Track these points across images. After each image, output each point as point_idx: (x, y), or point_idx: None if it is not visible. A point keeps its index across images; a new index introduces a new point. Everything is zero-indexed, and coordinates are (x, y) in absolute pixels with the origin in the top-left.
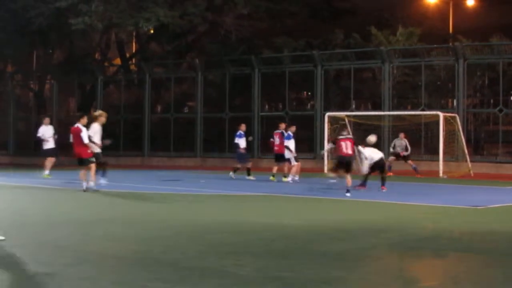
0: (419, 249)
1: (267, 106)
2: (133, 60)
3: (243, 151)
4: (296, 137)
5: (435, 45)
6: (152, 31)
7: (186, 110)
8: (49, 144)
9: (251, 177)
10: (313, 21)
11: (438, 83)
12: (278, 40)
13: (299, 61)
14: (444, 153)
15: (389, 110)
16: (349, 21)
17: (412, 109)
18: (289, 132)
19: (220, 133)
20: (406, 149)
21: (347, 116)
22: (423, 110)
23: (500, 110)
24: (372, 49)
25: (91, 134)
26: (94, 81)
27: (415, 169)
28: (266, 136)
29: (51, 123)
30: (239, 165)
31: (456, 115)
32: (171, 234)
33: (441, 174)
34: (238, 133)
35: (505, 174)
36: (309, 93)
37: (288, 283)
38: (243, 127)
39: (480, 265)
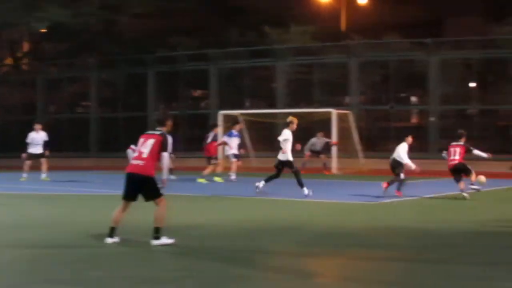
0: (319, 246)
1: (162, 106)
2: (25, 60)
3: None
4: (191, 136)
5: (328, 43)
6: (45, 30)
7: (80, 110)
8: None
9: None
10: (208, 20)
11: (332, 80)
12: (172, 39)
13: (194, 59)
14: (338, 149)
15: (283, 108)
16: (243, 19)
17: (306, 106)
18: (232, 131)
19: (115, 133)
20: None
21: (242, 114)
22: (316, 107)
23: (392, 107)
24: (266, 47)
25: None
26: None
27: (325, 165)
28: None
29: None
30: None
31: (349, 112)
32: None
33: (335, 171)
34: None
35: None
36: (204, 92)
37: (189, 282)
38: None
39: (377, 260)
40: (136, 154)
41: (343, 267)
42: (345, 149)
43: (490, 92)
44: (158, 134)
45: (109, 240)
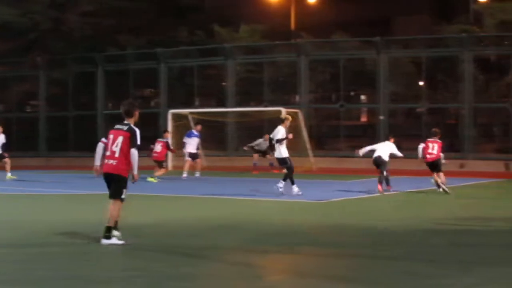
0: (267, 244)
1: (111, 104)
2: None
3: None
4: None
5: (277, 42)
6: None
7: (28, 109)
8: None
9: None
10: (157, 18)
11: (281, 79)
12: (122, 37)
13: (143, 58)
14: (288, 148)
15: (233, 107)
16: (193, 18)
17: (256, 105)
18: (193, 131)
19: (65, 132)
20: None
21: (191, 113)
22: (266, 106)
23: (342, 106)
24: (216, 46)
25: None
26: None
27: (271, 164)
28: None
29: None
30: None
31: (298, 111)
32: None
33: (284, 170)
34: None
35: (347, 168)
36: (153, 91)
37: (138, 281)
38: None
39: (326, 258)
40: (108, 153)
41: (292, 264)
42: (295, 147)
43: (439, 91)
44: (125, 130)
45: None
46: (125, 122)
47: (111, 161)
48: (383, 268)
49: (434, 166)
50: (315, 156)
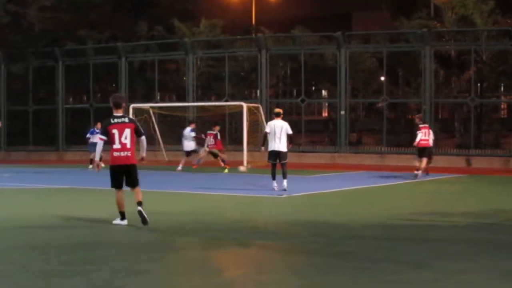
0: (223, 239)
1: (71, 99)
2: None
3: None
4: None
5: (238, 37)
6: None
7: None
8: None
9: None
10: (117, 13)
11: (242, 74)
12: (82, 32)
13: (103, 53)
14: (248, 143)
15: (193, 101)
16: (152, 13)
17: (216, 100)
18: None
19: (25, 126)
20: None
21: (152, 107)
22: (227, 101)
23: (302, 100)
24: (176, 40)
25: None
26: None
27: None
28: (71, 128)
29: None
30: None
31: (259, 105)
32: None
33: (245, 164)
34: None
35: (308, 163)
36: (114, 85)
37: (94, 276)
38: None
39: (284, 253)
40: (118, 146)
41: (249, 259)
42: (256, 142)
43: (400, 86)
44: (129, 122)
45: (120, 222)
46: (119, 114)
47: (125, 153)
48: (340, 264)
49: (427, 152)
50: None
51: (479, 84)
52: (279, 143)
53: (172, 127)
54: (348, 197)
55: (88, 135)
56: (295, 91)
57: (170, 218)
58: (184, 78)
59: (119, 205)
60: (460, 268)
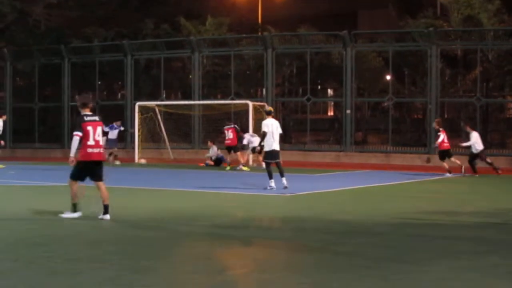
0: (229, 237)
1: (77, 96)
2: None
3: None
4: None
5: (244, 35)
6: None
7: None
8: None
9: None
10: (124, 10)
11: (248, 72)
12: (88, 29)
13: (110, 50)
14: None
15: (199, 100)
16: (159, 10)
17: (222, 98)
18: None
19: (30, 124)
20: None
21: (157, 105)
22: (232, 99)
23: (308, 99)
24: (182, 38)
25: None
26: None
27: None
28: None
29: None
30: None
31: (265, 104)
32: None
33: (251, 163)
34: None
35: (313, 162)
36: (120, 83)
37: (99, 273)
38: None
39: (288, 251)
40: (92, 143)
41: (254, 258)
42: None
43: (406, 85)
44: (99, 120)
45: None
46: (89, 113)
47: (97, 150)
48: (345, 262)
49: (448, 155)
50: (281, 149)
51: (485, 84)
52: (277, 143)
53: (177, 125)
54: (353, 196)
55: (106, 129)
56: (300, 89)
57: (173, 214)
58: (190, 76)
59: (75, 197)
60: (467, 266)
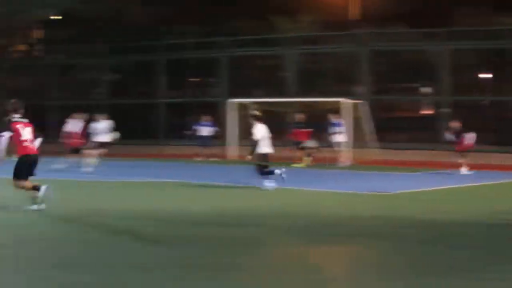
0: (324, 237)
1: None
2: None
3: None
4: None
5: (337, 33)
6: (57, 18)
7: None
8: None
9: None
10: (215, 7)
11: (340, 70)
12: (181, 26)
13: (203, 47)
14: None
15: (292, 97)
16: (251, 8)
17: (315, 95)
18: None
19: (125, 120)
20: None
21: (252, 103)
22: (325, 97)
23: (404, 97)
24: (276, 36)
25: None
26: None
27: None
28: (170, 123)
29: None
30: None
31: (362, 102)
32: None
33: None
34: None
35: (406, 160)
36: (213, 80)
37: (191, 270)
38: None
39: (387, 251)
40: (27, 138)
41: (349, 257)
42: (358, 139)
43: (505, 83)
44: (29, 122)
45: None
46: (20, 116)
47: (32, 144)
48: (443, 262)
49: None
50: (371, 147)
51: None
52: (269, 146)
53: (271, 122)
54: (451, 195)
55: (194, 127)
56: (395, 87)
57: (267, 211)
58: (284, 74)
59: (27, 187)
60: None
